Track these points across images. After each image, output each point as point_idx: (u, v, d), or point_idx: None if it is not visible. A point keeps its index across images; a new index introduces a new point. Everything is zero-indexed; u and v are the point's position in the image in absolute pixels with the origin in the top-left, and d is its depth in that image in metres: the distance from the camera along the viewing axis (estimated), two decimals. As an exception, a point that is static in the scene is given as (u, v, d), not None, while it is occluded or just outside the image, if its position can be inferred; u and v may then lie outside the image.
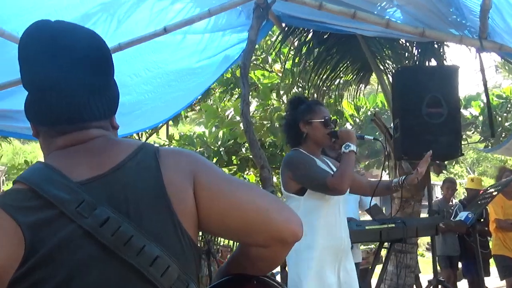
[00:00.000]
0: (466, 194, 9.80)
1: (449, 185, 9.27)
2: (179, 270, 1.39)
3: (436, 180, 16.45)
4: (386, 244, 5.06)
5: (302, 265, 3.86)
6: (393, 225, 4.67)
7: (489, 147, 11.67)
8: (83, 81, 1.47)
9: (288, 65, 8.76)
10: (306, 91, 8.19)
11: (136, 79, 5.95)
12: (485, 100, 11.34)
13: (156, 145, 1.56)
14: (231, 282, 1.63)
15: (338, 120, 11.14)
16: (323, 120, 4.01)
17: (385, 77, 7.46)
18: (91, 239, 1.34)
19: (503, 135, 11.26)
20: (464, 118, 11.41)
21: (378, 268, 5.62)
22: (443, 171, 8.15)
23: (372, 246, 9.30)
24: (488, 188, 6.72)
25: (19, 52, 1.51)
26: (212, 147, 11.21)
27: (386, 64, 7.55)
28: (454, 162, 18.84)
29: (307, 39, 7.36)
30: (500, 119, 11.32)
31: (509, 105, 11.35)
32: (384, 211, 7.58)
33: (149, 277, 1.35)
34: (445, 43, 6.97)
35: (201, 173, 1.48)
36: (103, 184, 1.40)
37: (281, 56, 9.39)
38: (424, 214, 7.37)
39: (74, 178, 1.40)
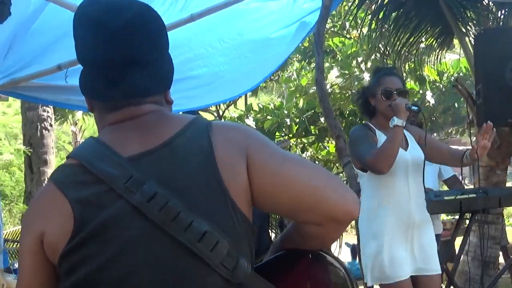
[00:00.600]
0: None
1: None
2: (229, 246, 1.38)
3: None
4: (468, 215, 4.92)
5: (373, 242, 3.83)
6: (474, 195, 4.52)
7: None
8: (135, 56, 1.48)
9: (365, 30, 8.58)
10: (386, 57, 8.02)
11: (212, 51, 5.96)
12: None
13: (212, 120, 1.55)
14: (286, 257, 1.62)
15: (417, 88, 10.95)
16: (382, 91, 3.90)
17: (467, 41, 7.19)
18: (139, 215, 1.36)
19: None
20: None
21: (459, 240, 5.49)
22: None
23: (457, 216, 9.10)
24: None
25: (73, 28, 1.53)
26: (293, 116, 11.19)
27: (468, 27, 7.28)
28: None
29: (384, 3, 7.18)
30: None
31: None
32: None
33: (197, 252, 1.35)
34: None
35: (254, 149, 1.46)
36: (152, 159, 1.41)
37: (359, 21, 9.22)
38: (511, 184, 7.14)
39: (124, 153, 1.42)
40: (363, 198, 3.98)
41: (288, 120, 11.33)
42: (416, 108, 3.78)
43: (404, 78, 10.17)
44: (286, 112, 11.59)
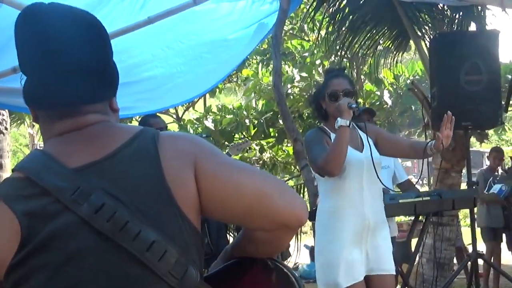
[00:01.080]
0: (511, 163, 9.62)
1: (496, 155, 9.03)
2: (177, 254, 1.38)
3: (487, 148, 16.14)
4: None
5: (329, 245, 3.84)
6: (428, 198, 4.60)
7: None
8: (79, 62, 1.47)
9: (323, 33, 8.66)
10: (342, 59, 8.10)
11: (169, 51, 5.93)
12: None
13: (164, 129, 1.56)
14: (235, 265, 1.63)
15: (374, 90, 11.08)
16: (328, 94, 3.91)
17: (423, 44, 7.31)
18: (87, 227, 1.35)
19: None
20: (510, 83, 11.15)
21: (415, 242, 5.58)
22: (485, 140, 8.00)
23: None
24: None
25: (15, 36, 1.51)
26: (252, 118, 11.22)
27: (423, 30, 7.40)
28: (505, 129, 18.47)
29: (341, 6, 7.26)
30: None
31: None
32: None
33: (145, 262, 1.35)
34: (486, 6, 6.78)
35: (202, 158, 1.47)
36: (99, 170, 1.41)
37: (317, 24, 9.30)
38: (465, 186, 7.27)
39: (71, 165, 1.41)
40: (320, 201, 4.01)
41: (247, 121, 11.35)
42: (356, 105, 3.78)
43: (362, 80, 10.30)
44: (245, 113, 11.61)
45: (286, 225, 1.46)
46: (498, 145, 13.86)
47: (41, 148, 1.51)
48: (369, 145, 3.91)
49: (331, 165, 3.68)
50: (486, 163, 16.12)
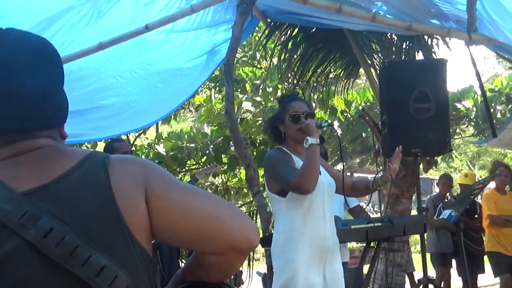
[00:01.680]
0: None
1: (445, 181, 9.26)
2: (128, 279, 1.37)
3: (436, 175, 16.33)
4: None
5: (288, 267, 3.83)
6: (380, 223, 4.65)
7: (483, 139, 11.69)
8: (32, 88, 1.46)
9: (275, 60, 8.74)
10: (295, 88, 8.17)
11: (122, 81, 5.94)
12: (478, 92, 11.36)
13: (106, 153, 1.54)
14: None
15: (326, 117, 11.19)
16: (290, 116, 3.99)
17: (373, 72, 7.44)
18: (35, 251, 1.33)
19: (497, 127, 11.24)
20: (458, 111, 11.39)
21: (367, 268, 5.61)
22: (434, 167, 8.14)
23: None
24: (477, 183, 6.72)
25: None
26: (200, 143, 11.17)
27: (373, 59, 7.53)
28: (452, 156, 18.83)
29: (293, 34, 7.35)
30: (492, 111, 11.31)
31: (502, 98, 11.34)
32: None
33: (95, 287, 1.34)
34: (434, 36, 6.95)
35: (153, 181, 1.47)
36: (48, 194, 1.39)
37: (269, 52, 9.39)
38: (415, 212, 7.37)
39: (18, 189, 1.38)
40: (277, 224, 4.01)
41: (192, 145, 11.28)
42: (326, 124, 3.98)
43: (314, 108, 10.39)
44: (193, 136, 11.55)
45: (237, 249, 1.47)
46: (447, 172, 14.13)
47: None
48: (325, 171, 4.05)
49: (308, 182, 3.71)
50: (436, 189, 16.39)
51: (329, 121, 11.23)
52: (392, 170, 4.09)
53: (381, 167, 7.65)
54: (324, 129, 4.03)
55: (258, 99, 10.91)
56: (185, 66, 6.23)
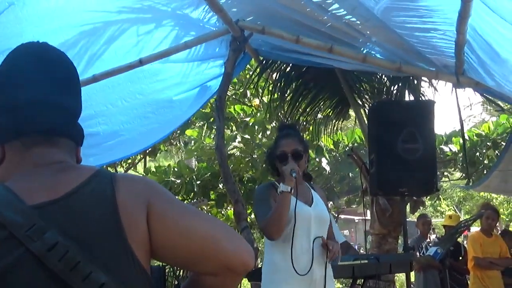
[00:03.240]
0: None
1: (424, 221, 9.35)
2: None
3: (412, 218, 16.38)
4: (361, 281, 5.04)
5: None
6: (366, 261, 4.66)
7: (470, 184, 11.77)
8: (58, 102, 1.58)
9: (265, 98, 8.82)
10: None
11: (113, 109, 5.94)
12: (466, 137, 11.48)
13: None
14: None
15: (313, 155, 11.25)
16: (277, 155, 4.03)
17: (362, 112, 7.52)
18: (38, 264, 1.36)
19: (484, 172, 11.33)
20: (445, 154, 11.50)
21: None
22: (421, 207, 8.19)
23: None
24: (462, 221, 6.78)
25: (3, 69, 1.60)
26: (187, 177, 11.17)
27: (363, 99, 7.62)
28: (438, 199, 18.86)
29: (285, 72, 7.42)
30: (479, 155, 11.44)
31: (488, 143, 11.47)
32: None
33: None
34: (422, 78, 7.05)
35: (155, 201, 1.51)
36: (56, 209, 1.43)
37: (260, 90, 9.46)
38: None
39: (30, 202, 1.42)
40: (266, 253, 4.01)
41: (178, 180, 11.27)
42: (295, 174, 3.82)
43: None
44: (172, 176, 11.56)
45: (233, 269, 1.50)
46: (433, 217, 14.23)
47: (3, 183, 1.52)
48: (319, 202, 4.03)
49: (271, 230, 3.76)
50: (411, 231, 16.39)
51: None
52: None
53: (367, 206, 7.70)
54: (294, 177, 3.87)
55: (247, 136, 10.96)
56: (175, 99, 6.26)
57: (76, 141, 1.65)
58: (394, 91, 7.45)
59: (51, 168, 1.53)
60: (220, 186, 10.96)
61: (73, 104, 1.65)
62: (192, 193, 11.28)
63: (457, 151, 11.32)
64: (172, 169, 11.60)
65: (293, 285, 3.80)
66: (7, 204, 1.41)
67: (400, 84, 7.25)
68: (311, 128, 8.60)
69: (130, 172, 14.11)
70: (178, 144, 13.64)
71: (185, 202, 10.56)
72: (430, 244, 8.62)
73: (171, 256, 1.54)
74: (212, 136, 11.39)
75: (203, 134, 11.59)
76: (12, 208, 1.40)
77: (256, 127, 10.99)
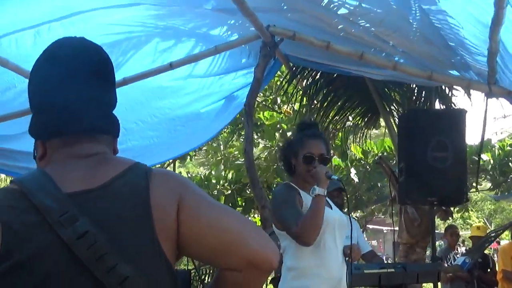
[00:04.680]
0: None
1: (452, 231, 9.19)
2: None
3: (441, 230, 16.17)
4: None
5: None
6: (393, 269, 4.60)
7: (499, 194, 11.63)
8: (97, 95, 1.61)
9: (296, 106, 8.81)
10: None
11: (142, 125, 6.05)
12: (496, 146, 11.35)
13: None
14: None
15: (343, 165, 11.18)
16: (303, 156, 3.78)
17: (392, 120, 7.47)
18: (67, 251, 1.38)
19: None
20: (475, 165, 11.34)
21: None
22: (450, 217, 8.10)
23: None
24: (491, 232, 6.68)
25: (38, 69, 1.64)
26: (221, 188, 11.23)
27: (393, 107, 7.58)
28: (467, 210, 18.65)
29: (315, 79, 7.41)
30: (510, 165, 11.27)
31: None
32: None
33: None
34: (453, 87, 6.99)
35: (187, 196, 1.52)
36: (90, 199, 1.45)
37: (290, 96, 9.46)
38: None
39: (65, 189, 1.45)
40: (286, 260, 3.77)
41: (215, 192, 11.34)
42: (336, 177, 3.73)
43: (332, 155, 10.41)
44: (214, 182, 11.62)
45: (257, 266, 1.50)
46: (462, 229, 14.08)
47: (42, 168, 1.56)
48: (334, 206, 3.93)
49: (308, 234, 3.50)
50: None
51: (338, 176, 11.22)
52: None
53: (397, 218, 7.64)
54: (333, 180, 3.74)
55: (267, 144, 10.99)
56: (202, 111, 6.31)
57: (113, 135, 1.68)
58: (424, 100, 7.38)
59: (90, 159, 1.56)
60: (248, 191, 10.97)
61: (110, 96, 1.67)
62: (225, 201, 11.30)
63: (488, 160, 11.17)
64: (202, 178, 11.67)
65: None
66: (43, 188, 1.45)
67: (430, 92, 7.18)
68: (339, 135, 8.56)
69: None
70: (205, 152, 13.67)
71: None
72: (457, 255, 8.52)
73: (198, 250, 1.55)
74: (240, 142, 11.43)
75: (228, 141, 11.65)
76: (48, 194, 1.43)
77: (277, 134, 10.98)
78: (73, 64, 1.59)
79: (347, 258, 3.86)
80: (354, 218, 5.36)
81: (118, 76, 5.35)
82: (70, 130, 1.57)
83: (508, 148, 11.45)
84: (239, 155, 11.30)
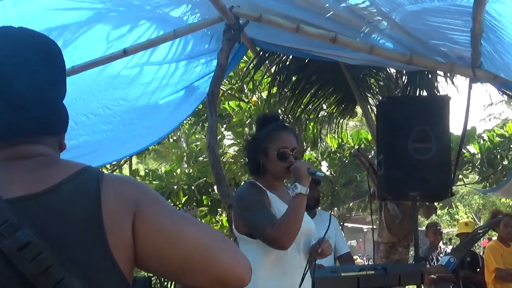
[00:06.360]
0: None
1: (435, 229, 9.11)
2: None
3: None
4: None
5: None
6: (373, 271, 4.63)
7: (487, 188, 11.72)
8: (39, 92, 1.52)
9: (265, 94, 8.80)
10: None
11: (94, 119, 5.94)
12: (485, 137, 11.46)
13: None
14: None
15: (314, 159, 11.18)
16: (276, 152, 3.60)
17: (369, 109, 7.51)
18: (7, 263, 1.35)
19: (503, 174, 11.28)
20: (462, 157, 11.44)
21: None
22: (434, 213, 8.17)
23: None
24: (479, 227, 6.74)
25: None
26: (183, 184, 11.16)
27: (370, 94, 7.61)
28: (451, 207, 18.78)
29: (285, 64, 7.40)
30: (500, 157, 11.37)
31: (511, 145, 11.37)
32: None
33: None
34: (436, 72, 7.03)
35: (144, 205, 1.49)
36: (33, 204, 1.41)
37: (258, 84, 9.44)
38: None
39: (5, 195, 1.41)
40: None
41: (175, 187, 11.26)
42: (321, 174, 3.60)
43: (304, 147, 10.43)
44: (173, 179, 11.54)
45: (226, 284, 1.48)
46: (449, 226, 14.22)
47: None
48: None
49: (286, 237, 3.38)
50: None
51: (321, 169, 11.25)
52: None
53: (377, 213, 7.68)
54: (316, 177, 3.54)
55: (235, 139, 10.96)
56: (161, 102, 6.26)
57: (60, 133, 1.62)
58: (404, 86, 7.43)
59: (34, 160, 1.51)
60: (215, 190, 10.93)
61: (59, 90, 1.61)
62: (185, 198, 11.27)
63: (475, 153, 11.26)
64: (161, 174, 11.60)
65: None
66: None
67: (411, 78, 7.22)
68: (311, 126, 8.58)
69: (116, 173, 14.07)
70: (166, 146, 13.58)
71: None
72: (441, 255, 8.53)
73: (158, 266, 1.51)
74: (204, 135, 11.38)
75: (190, 135, 11.59)
76: None
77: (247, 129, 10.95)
78: (16, 55, 1.52)
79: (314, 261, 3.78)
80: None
81: (67, 64, 5.31)
82: (12, 133, 1.52)
83: (498, 138, 11.54)
84: (202, 150, 11.24)
